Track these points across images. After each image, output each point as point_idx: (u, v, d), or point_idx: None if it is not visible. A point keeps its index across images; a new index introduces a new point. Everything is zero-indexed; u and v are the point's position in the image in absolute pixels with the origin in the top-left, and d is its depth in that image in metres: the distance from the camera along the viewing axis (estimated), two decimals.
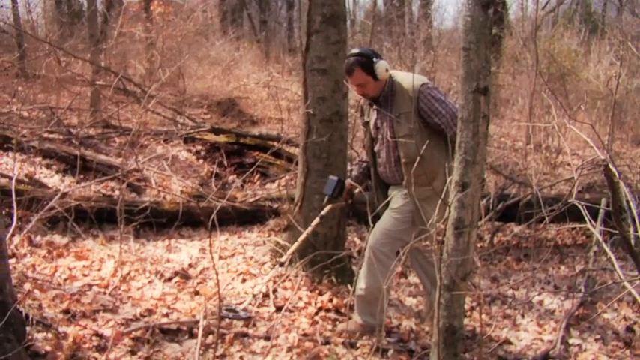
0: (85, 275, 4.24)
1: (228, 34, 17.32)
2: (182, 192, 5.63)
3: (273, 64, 16.71)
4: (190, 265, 4.62)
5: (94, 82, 8.89)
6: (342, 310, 4.07)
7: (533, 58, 9.33)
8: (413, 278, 4.79)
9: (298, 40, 25.16)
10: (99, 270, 4.34)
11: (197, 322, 3.60)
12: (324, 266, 4.24)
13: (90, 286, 4.06)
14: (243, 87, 12.02)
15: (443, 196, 3.53)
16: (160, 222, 5.04)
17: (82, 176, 5.96)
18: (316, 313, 4.07)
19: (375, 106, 3.83)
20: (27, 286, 3.84)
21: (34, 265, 4.25)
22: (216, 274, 2.68)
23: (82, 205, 4.93)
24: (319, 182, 4.35)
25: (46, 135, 7.01)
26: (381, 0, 17.68)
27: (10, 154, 5.80)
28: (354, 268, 4.63)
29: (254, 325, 3.81)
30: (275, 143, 7.10)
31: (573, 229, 5.98)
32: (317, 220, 4.04)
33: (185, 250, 4.91)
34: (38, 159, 6.38)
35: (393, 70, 3.83)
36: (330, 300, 4.19)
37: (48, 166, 6.33)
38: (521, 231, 5.83)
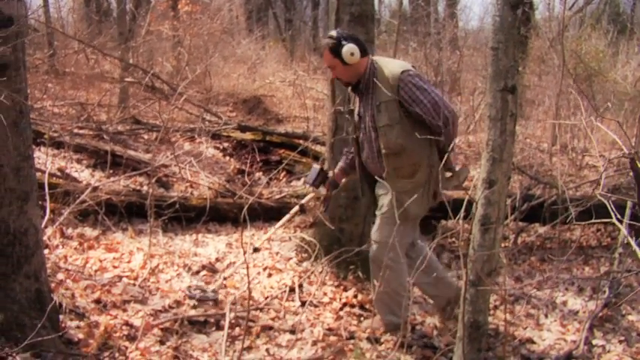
0: (115, 267, 4.34)
1: (254, 33, 17.42)
2: (209, 188, 5.71)
3: (298, 62, 16.78)
4: (217, 260, 4.69)
5: (123, 79, 9.00)
6: (367, 306, 4.12)
7: (559, 58, 9.28)
8: None
9: (322, 38, 25.16)
10: (128, 262, 4.43)
11: (224, 314, 3.68)
12: (349, 262, 4.30)
13: (120, 277, 4.15)
14: (269, 85, 12.09)
15: (424, 189, 3.57)
16: (188, 216, 5.12)
17: (111, 171, 6.06)
18: (341, 309, 4.12)
19: (356, 94, 3.73)
20: (60, 276, 3.95)
21: (65, 256, 4.36)
22: (247, 267, 2.74)
23: (112, 198, 5.04)
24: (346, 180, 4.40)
25: (76, 130, 7.13)
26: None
27: (42, 148, 5.92)
28: None
29: (280, 318, 3.87)
30: (301, 141, 7.17)
31: (598, 230, 5.96)
32: (296, 208, 4.08)
33: (212, 244, 4.98)
34: (69, 153, 6.50)
35: (379, 56, 3.75)
36: (355, 296, 4.24)
37: (78, 161, 6.45)
38: (546, 231, 5.82)
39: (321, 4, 28.73)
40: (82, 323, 3.43)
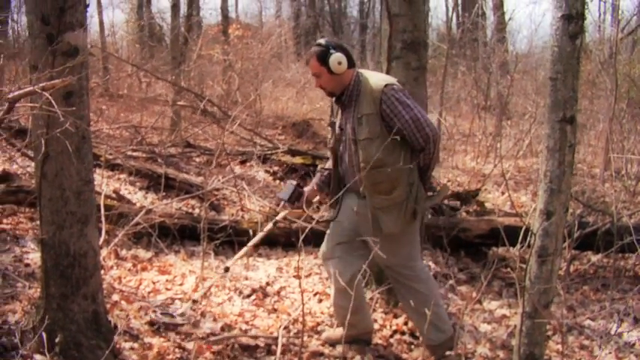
0: (167, 289, 4.40)
1: (303, 57, 17.59)
2: (260, 212, 5.76)
3: None
4: (268, 284, 4.72)
5: (176, 103, 9.19)
6: (417, 334, 4.08)
7: (612, 82, 9.13)
8: (488, 305, 4.76)
9: (371, 62, 25.31)
10: (181, 285, 4.49)
11: (276, 339, 3.69)
12: None
13: (172, 299, 4.21)
14: (318, 109, 12.19)
15: (402, 206, 3.44)
16: (239, 240, 5.16)
17: (164, 193, 6.17)
18: (391, 336, 4.09)
19: (339, 105, 3.63)
20: (115, 297, 4.02)
21: (120, 278, 4.44)
22: (302, 292, 2.76)
23: (166, 221, 5.12)
24: None
25: (129, 153, 7.29)
26: (455, 23, 17.65)
27: (98, 170, 6.06)
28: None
29: (330, 344, 3.87)
30: None
31: None
32: (270, 225, 4.05)
33: (262, 268, 5.01)
34: (123, 176, 6.65)
35: (364, 69, 3.66)
36: (405, 323, 4.20)
37: (132, 183, 6.59)
38: (599, 260, 5.71)
39: (369, 28, 28.93)
40: (136, 345, 3.48)
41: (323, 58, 3.46)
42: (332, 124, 3.74)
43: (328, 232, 3.81)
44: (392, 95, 3.39)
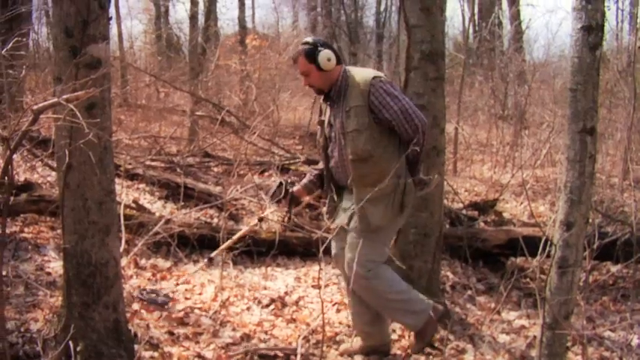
0: (187, 299, 4.42)
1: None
2: (278, 221, 5.78)
3: None
4: (286, 293, 4.73)
5: (194, 113, 9.25)
6: (436, 345, 4.07)
7: (630, 90, 9.08)
8: (506, 315, 4.74)
9: (388, 71, 25.30)
10: (200, 294, 4.51)
11: (295, 349, 3.70)
12: None
13: (192, 309, 4.23)
14: None
15: (390, 199, 3.46)
16: (258, 250, 5.18)
17: (182, 203, 6.21)
18: (410, 347, 4.09)
19: (328, 103, 3.67)
20: (135, 306, 4.05)
21: (139, 287, 4.47)
22: (322, 303, 2.76)
23: (185, 230, 5.15)
24: (416, 216, 4.38)
25: (148, 162, 7.35)
26: (471, 33, 17.63)
27: (117, 180, 6.11)
28: (447, 302, 4.64)
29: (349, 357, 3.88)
30: None
31: None
32: (255, 221, 4.05)
33: (281, 278, 5.03)
34: (142, 185, 6.70)
35: (351, 66, 3.70)
36: None
37: (151, 193, 6.64)
38: (619, 270, 5.67)
39: (386, 38, 28.95)
40: (156, 354, 3.50)
41: (311, 55, 3.50)
42: (321, 123, 3.78)
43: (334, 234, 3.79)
44: (380, 87, 3.43)
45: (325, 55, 3.47)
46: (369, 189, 3.40)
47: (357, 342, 3.88)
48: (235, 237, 4.22)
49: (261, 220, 4.15)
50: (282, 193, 3.83)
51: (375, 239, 3.54)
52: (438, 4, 4.40)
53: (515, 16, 17.60)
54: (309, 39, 3.60)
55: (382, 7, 29.80)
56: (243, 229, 4.28)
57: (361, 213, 3.47)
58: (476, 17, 19.10)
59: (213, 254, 4.18)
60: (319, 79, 3.58)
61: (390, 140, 3.49)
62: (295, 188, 3.91)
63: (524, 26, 17.36)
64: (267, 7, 42.61)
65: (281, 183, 3.86)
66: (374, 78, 3.47)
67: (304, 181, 3.96)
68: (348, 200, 3.66)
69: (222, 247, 4.19)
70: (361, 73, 3.54)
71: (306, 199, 4.00)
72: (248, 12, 24.95)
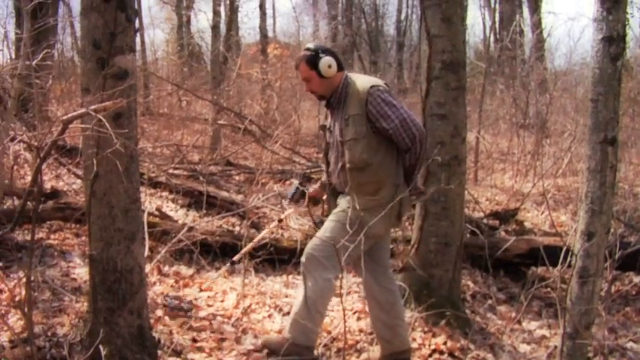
0: (209, 305, 4.47)
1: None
2: (300, 230, 5.82)
3: None
4: None
5: (216, 122, 9.34)
6: (456, 354, 4.08)
7: None
8: (527, 325, 4.74)
9: (408, 80, 25.29)
10: (222, 301, 4.56)
11: (316, 357, 3.72)
12: (439, 309, 4.30)
13: (214, 316, 4.27)
14: None
15: (391, 208, 3.37)
16: (279, 258, 5.22)
17: (204, 211, 6.27)
18: (430, 355, 4.08)
19: (329, 109, 3.68)
20: (158, 312, 4.11)
21: (163, 293, 4.52)
22: (343, 311, 2.79)
23: (207, 238, 5.21)
24: (436, 225, 4.41)
25: (171, 171, 7.43)
26: (493, 41, 17.59)
27: (141, 188, 6.19)
28: (467, 312, 4.64)
29: None
30: None
31: None
32: (275, 222, 4.07)
33: (302, 286, 5.05)
34: (165, 193, 6.77)
35: (353, 72, 3.69)
36: (445, 343, 4.20)
37: (174, 200, 6.71)
38: None
39: (406, 47, 28.95)
40: None
41: (313, 62, 3.52)
42: (323, 128, 3.81)
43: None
44: (378, 96, 3.42)
45: (326, 61, 3.49)
46: (367, 197, 3.43)
47: (377, 350, 3.89)
48: (257, 239, 4.28)
49: (280, 221, 4.19)
50: (300, 195, 3.94)
51: (356, 237, 3.35)
52: (459, 13, 4.43)
53: (537, 24, 17.52)
54: (311, 45, 3.63)
55: (403, 16, 29.80)
56: (265, 230, 4.33)
57: (359, 221, 3.36)
58: (497, 25, 19.11)
59: (235, 257, 4.23)
60: (320, 86, 3.59)
61: (388, 150, 3.48)
62: (312, 188, 3.98)
63: (545, 34, 17.30)
64: (288, 16, 42.86)
65: (300, 184, 3.98)
66: (372, 87, 3.46)
67: (321, 180, 3.99)
68: (343, 204, 3.60)
69: (244, 250, 4.24)
70: (361, 82, 3.53)
71: (324, 198, 3.97)
72: (269, 21, 25.19)
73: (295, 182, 4.04)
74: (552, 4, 44.81)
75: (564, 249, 2.67)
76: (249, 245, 4.23)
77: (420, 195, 3.74)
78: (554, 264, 4.62)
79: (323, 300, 3.54)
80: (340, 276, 3.19)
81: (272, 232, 4.54)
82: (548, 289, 5.26)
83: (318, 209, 3.98)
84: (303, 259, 3.60)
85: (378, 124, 3.43)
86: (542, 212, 7.71)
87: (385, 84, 3.57)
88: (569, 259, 2.67)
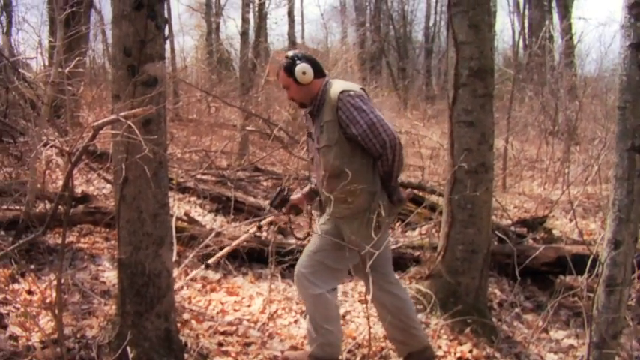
0: (235, 310, 4.51)
1: (367, 81, 17.70)
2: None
3: (411, 111, 16.89)
4: None
5: (244, 128, 9.40)
6: None
7: None
8: (554, 334, 4.70)
9: (436, 87, 25.23)
10: (248, 306, 4.59)
11: None
12: (465, 316, 4.29)
13: (240, 320, 4.31)
14: None
15: (364, 216, 3.32)
16: None
17: (233, 216, 6.32)
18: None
19: (310, 116, 3.60)
20: (185, 316, 4.15)
21: (190, 298, 4.57)
22: (367, 317, 2.80)
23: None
24: (463, 233, 4.41)
25: (200, 176, 7.50)
26: (521, 47, 17.47)
27: (170, 193, 6.26)
28: (493, 320, 4.62)
29: None
30: (415, 191, 7.22)
31: None
32: (253, 229, 4.06)
33: None
34: (193, 198, 6.84)
35: (336, 79, 3.60)
36: (470, 351, 4.19)
37: (201, 206, 6.77)
38: None
39: (435, 53, 28.89)
40: None
41: (289, 69, 3.47)
42: (309, 135, 3.74)
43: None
44: (347, 101, 3.34)
45: (300, 68, 3.43)
46: (343, 205, 3.36)
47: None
48: (234, 244, 4.31)
49: (260, 228, 4.19)
50: (282, 201, 3.86)
51: (341, 249, 3.41)
52: (487, 20, 4.42)
53: (567, 30, 17.41)
54: (290, 53, 3.57)
55: (431, 22, 29.80)
56: (242, 237, 4.37)
57: (336, 229, 3.44)
58: (526, 31, 18.96)
59: (210, 261, 4.24)
60: (298, 93, 3.54)
61: (364, 157, 3.39)
62: (295, 196, 3.89)
63: (575, 40, 17.16)
64: (317, 22, 43.04)
65: (281, 191, 3.90)
66: (342, 92, 3.37)
67: (305, 189, 3.91)
68: (325, 215, 3.61)
69: (220, 254, 4.24)
70: (335, 87, 3.44)
71: (307, 207, 3.95)
72: (297, 28, 25.28)
73: (278, 188, 3.99)
74: (583, 10, 44.44)
75: (591, 257, 2.65)
76: (226, 249, 4.25)
77: (399, 202, 3.55)
78: (582, 272, 4.59)
79: (321, 314, 3.52)
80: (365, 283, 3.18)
81: (250, 238, 4.58)
82: (576, 298, 5.21)
83: (298, 218, 3.95)
84: (294, 276, 3.64)
85: (348, 130, 3.35)
86: (571, 220, 7.64)
87: (362, 88, 3.50)
88: (596, 267, 2.65)
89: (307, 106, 3.58)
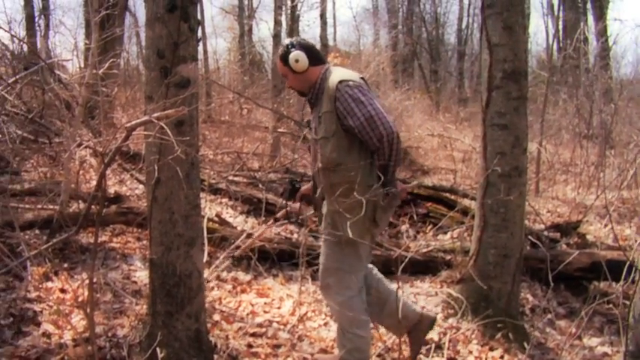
0: (265, 312, 4.51)
1: (400, 84, 17.64)
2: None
3: (443, 113, 16.79)
4: None
5: (276, 130, 9.43)
6: None
7: None
8: (588, 341, 4.62)
9: (469, 89, 25.05)
10: (278, 308, 4.60)
11: None
12: (496, 321, 4.24)
13: (270, 322, 4.31)
14: (416, 137, 12.17)
15: (363, 212, 3.14)
16: None
17: (264, 218, 6.34)
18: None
19: (309, 105, 3.52)
20: (215, 317, 4.17)
21: (220, 299, 4.59)
22: (399, 322, 2.78)
23: (265, 245, 5.26)
24: (496, 237, 4.36)
25: (231, 178, 7.54)
26: (556, 50, 17.27)
27: (202, 194, 6.30)
28: (526, 325, 4.56)
29: None
30: (447, 194, 7.18)
31: None
32: (270, 223, 4.00)
33: None
34: (225, 200, 6.87)
35: (337, 66, 3.50)
36: (502, 357, 4.14)
37: (233, 207, 6.80)
38: None
39: (467, 55, 28.70)
40: None
41: (285, 58, 3.39)
42: (308, 124, 3.66)
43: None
44: (345, 92, 3.22)
45: (294, 56, 3.34)
46: (340, 198, 3.25)
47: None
48: (249, 241, 4.30)
49: (276, 220, 4.17)
50: (292, 192, 3.81)
51: (345, 249, 3.39)
52: (521, 22, 4.37)
53: (602, 32, 17.14)
54: (286, 41, 3.47)
55: (464, 24, 29.62)
56: (262, 227, 4.37)
57: (332, 224, 3.37)
58: (560, 33, 18.74)
59: (218, 262, 4.24)
60: (295, 81, 3.45)
61: (362, 149, 3.27)
62: (305, 187, 3.79)
63: (611, 42, 16.91)
64: (349, 25, 42.95)
65: (291, 182, 3.87)
66: (340, 82, 3.24)
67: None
68: (324, 208, 3.52)
69: (244, 246, 4.24)
70: (333, 76, 3.32)
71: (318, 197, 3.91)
72: (330, 30, 25.36)
73: (290, 179, 3.98)
74: (619, 11, 43.74)
75: (627, 263, 2.59)
76: (250, 240, 4.23)
77: (392, 199, 3.40)
78: (617, 279, 4.50)
79: (348, 319, 3.47)
80: (397, 287, 3.17)
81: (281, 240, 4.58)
82: (611, 305, 5.12)
83: (310, 209, 3.90)
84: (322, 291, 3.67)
85: (345, 122, 3.23)
86: (606, 225, 7.51)
87: (361, 78, 3.38)
88: (632, 274, 2.59)
89: (306, 94, 3.49)
